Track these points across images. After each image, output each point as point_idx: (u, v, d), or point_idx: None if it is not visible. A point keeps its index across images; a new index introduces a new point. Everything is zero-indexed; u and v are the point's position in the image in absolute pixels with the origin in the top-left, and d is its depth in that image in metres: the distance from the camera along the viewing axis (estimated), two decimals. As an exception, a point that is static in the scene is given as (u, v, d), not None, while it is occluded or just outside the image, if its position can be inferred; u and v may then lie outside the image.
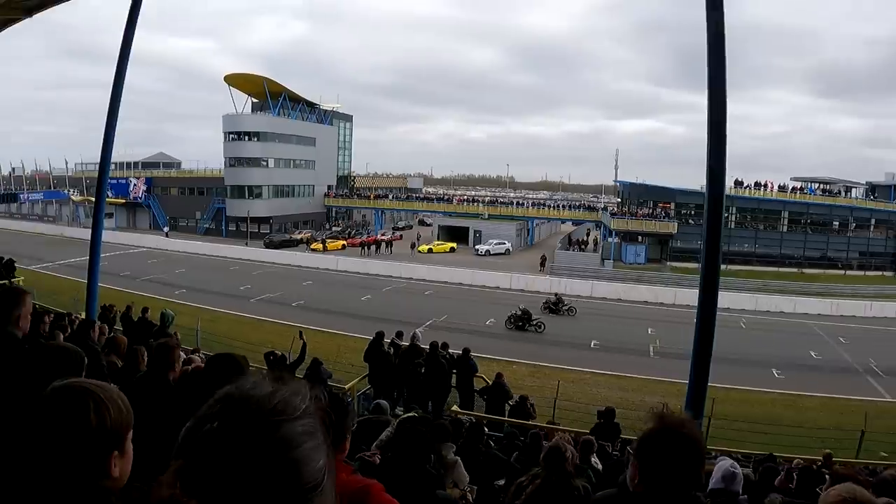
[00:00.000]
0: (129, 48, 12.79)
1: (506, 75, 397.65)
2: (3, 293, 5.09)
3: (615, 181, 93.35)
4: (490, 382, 18.86)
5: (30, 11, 20.86)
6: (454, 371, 18.99)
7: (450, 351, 19.60)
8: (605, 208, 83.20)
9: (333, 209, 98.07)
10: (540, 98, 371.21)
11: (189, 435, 1.16)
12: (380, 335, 19.54)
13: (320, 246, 76.01)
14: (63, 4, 20.36)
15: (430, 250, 75.33)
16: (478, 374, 19.40)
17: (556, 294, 47.19)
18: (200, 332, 27.88)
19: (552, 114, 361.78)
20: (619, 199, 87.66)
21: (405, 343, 19.77)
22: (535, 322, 38.43)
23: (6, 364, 4.67)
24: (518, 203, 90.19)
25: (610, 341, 35.67)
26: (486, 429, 11.29)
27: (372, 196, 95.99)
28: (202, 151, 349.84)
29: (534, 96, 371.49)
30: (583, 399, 22.95)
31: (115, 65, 12.77)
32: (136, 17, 12.78)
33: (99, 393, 1.93)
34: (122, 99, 13.37)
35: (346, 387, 19.11)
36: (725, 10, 9.22)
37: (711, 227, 9.78)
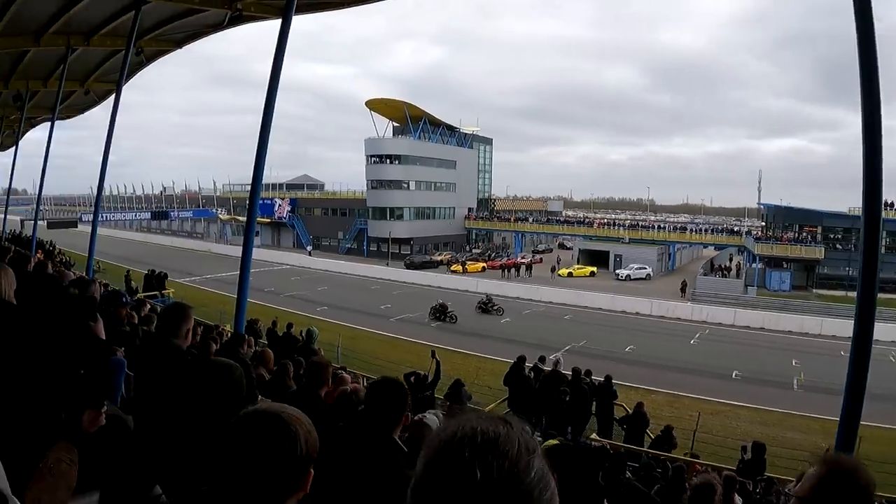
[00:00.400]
0: (279, 75, 13.23)
1: (645, 94, 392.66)
2: (173, 308, 5.51)
3: (758, 204, 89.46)
4: (629, 411, 18.61)
5: (179, 43, 22.32)
6: (594, 398, 18.81)
7: (592, 377, 19.38)
8: (748, 232, 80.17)
9: (474, 231, 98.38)
10: (680, 117, 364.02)
11: (443, 485, 1.19)
12: (521, 359, 19.50)
13: (460, 268, 76.46)
14: (209, 37, 21.46)
15: (570, 274, 74.48)
16: (617, 402, 19.16)
17: (486, 294, 50.12)
18: (341, 349, 28.37)
19: (692, 134, 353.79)
20: (763, 223, 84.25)
21: (547, 368, 19.64)
22: None
23: (174, 376, 4.97)
24: (659, 227, 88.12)
25: (751, 372, 34.17)
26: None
27: (512, 219, 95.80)
28: (344, 173, 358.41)
29: (673, 116, 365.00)
30: (721, 432, 22.23)
31: (266, 91, 13.21)
32: (285, 46, 13.23)
33: (299, 421, 2.05)
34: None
35: (486, 409, 19.16)
36: (875, 15, 8.78)
37: (868, 252, 9.33)
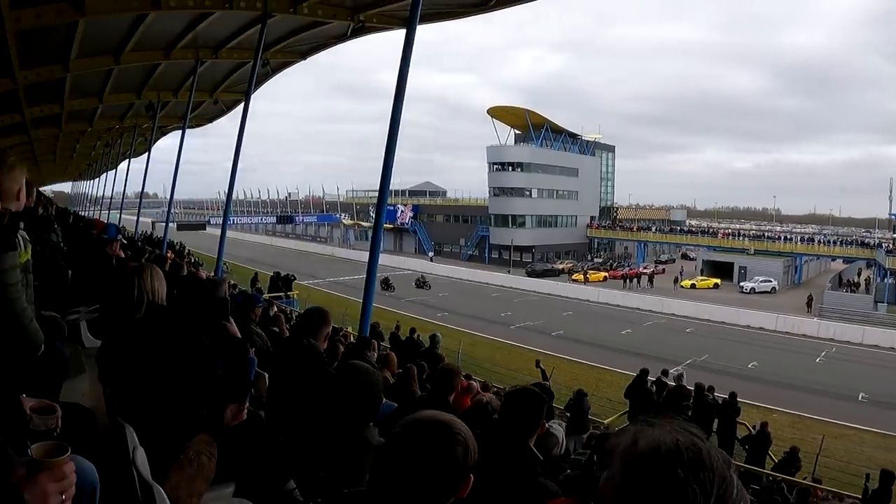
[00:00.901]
0: (405, 84, 13.40)
1: (770, 99, 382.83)
2: (314, 312, 5.79)
3: (890, 214, 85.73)
4: (751, 429, 18.20)
5: (304, 54, 22.92)
6: (717, 416, 18.46)
7: (715, 394, 18.99)
8: (879, 245, 75.97)
9: (595, 240, 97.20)
10: (806, 123, 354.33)
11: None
12: (644, 372, 19.25)
13: (581, 277, 75.78)
14: (330, 49, 21.99)
15: (692, 286, 72.71)
16: (739, 420, 18.73)
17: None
18: (461, 355, 28.51)
19: (819, 140, 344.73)
20: (895, 235, 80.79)
21: (670, 382, 19.36)
22: None
23: (313, 377, 5.17)
24: (785, 238, 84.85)
25: (880, 394, 32.26)
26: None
27: (635, 228, 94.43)
28: (466, 181, 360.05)
29: (799, 121, 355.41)
30: (844, 457, 21.12)
31: (392, 100, 13.41)
32: (410, 55, 13.41)
33: (464, 429, 2.10)
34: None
35: (605, 422, 19.01)
36: None
37: None
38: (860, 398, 32.36)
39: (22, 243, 4.50)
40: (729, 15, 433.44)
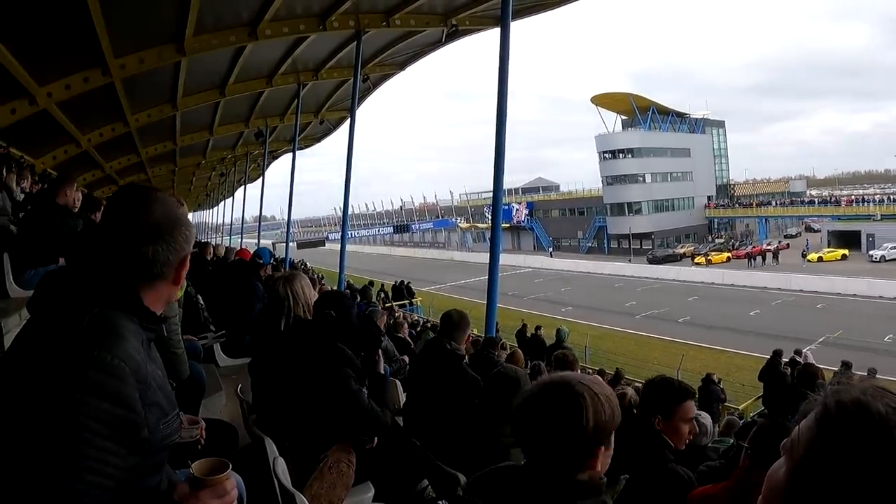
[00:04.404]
0: (506, 82, 13.37)
1: (882, 53, 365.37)
2: (453, 315, 5.97)
3: None
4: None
5: (402, 65, 23.27)
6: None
7: (853, 372, 18.37)
8: None
9: (715, 220, 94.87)
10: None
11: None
12: (777, 353, 18.79)
13: (703, 259, 74.25)
14: (430, 56, 22.20)
15: (819, 258, 69.67)
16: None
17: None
18: (589, 349, 28.36)
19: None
20: None
21: (802, 362, 18.86)
22: None
23: (454, 379, 5.32)
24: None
25: None
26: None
27: (754, 203, 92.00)
28: (578, 173, 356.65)
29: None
30: None
31: (496, 99, 13.44)
32: (508, 53, 13.38)
33: (592, 391, 2.15)
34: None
35: (740, 407, 18.63)
36: None
37: None
38: None
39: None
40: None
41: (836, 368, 18.09)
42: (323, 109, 26.46)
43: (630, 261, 76.98)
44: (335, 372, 4.18)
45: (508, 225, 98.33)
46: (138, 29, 12.47)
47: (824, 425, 1.12)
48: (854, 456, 1.05)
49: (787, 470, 1.16)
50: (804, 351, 19.39)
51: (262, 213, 48.14)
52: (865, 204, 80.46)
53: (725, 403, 18.19)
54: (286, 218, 34.10)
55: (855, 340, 34.02)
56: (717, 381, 18.19)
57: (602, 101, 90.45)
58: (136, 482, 1.98)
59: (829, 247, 74.14)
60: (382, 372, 4.64)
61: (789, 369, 17.91)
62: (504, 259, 70.88)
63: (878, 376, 17.93)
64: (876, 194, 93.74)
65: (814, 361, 17.85)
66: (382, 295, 34.01)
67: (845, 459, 1.06)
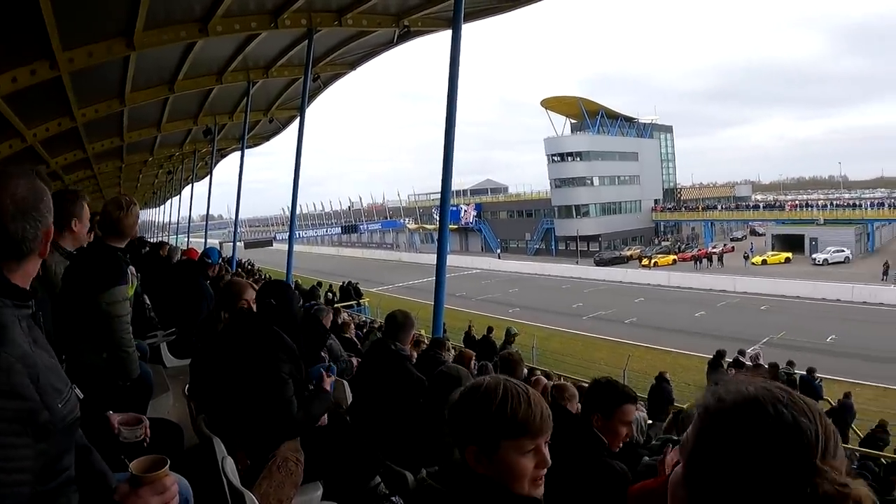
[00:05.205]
0: (456, 85, 13.40)
1: (831, 63, 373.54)
2: (398, 316, 6.01)
3: None
4: (833, 404, 17.95)
5: (353, 65, 23.21)
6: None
7: (795, 370, 18.76)
8: None
9: (661, 223, 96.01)
10: (869, 83, 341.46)
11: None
12: (720, 353, 19.11)
13: (650, 262, 75.21)
14: (384, 56, 22.23)
15: (763, 261, 71.36)
16: (823, 398, 18.45)
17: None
18: (536, 350, 28.54)
19: (885, 99, 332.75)
20: None
21: (747, 362, 19.18)
22: None
23: (399, 379, 5.35)
24: (854, 205, 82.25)
25: None
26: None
27: (700, 207, 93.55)
28: (526, 174, 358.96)
29: (862, 82, 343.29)
30: None
31: (446, 101, 13.49)
32: (458, 55, 13.43)
33: (508, 387, 2.13)
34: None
35: (685, 406, 18.87)
36: None
37: None
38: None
39: (131, 278, 4.73)
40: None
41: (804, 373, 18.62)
42: (273, 108, 26.30)
43: (577, 263, 77.74)
44: (268, 356, 4.18)
45: (457, 226, 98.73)
46: (88, 21, 12.24)
47: (705, 420, 1.21)
48: (732, 442, 1.13)
49: (681, 468, 1.24)
50: (749, 351, 19.73)
51: (210, 212, 47.74)
52: (809, 209, 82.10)
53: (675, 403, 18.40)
54: (234, 217, 33.90)
55: (798, 341, 34.93)
56: (668, 379, 18.40)
57: (552, 104, 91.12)
58: (52, 467, 1.96)
59: (773, 250, 75.90)
60: (328, 389, 4.60)
61: (732, 369, 18.22)
62: (452, 260, 70.96)
63: (817, 374, 18.46)
64: (820, 200, 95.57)
65: (762, 362, 18.28)
66: (330, 295, 33.88)
67: (726, 447, 1.14)
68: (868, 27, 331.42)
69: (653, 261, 75.56)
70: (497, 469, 2.06)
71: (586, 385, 4.71)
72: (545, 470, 2.11)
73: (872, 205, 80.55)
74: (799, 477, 1.06)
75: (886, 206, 78.52)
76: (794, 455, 1.08)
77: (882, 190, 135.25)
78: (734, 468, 1.11)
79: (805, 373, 18.51)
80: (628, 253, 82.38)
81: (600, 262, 77.64)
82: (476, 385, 2.15)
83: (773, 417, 1.12)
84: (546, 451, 2.11)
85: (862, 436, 16.55)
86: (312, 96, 23.95)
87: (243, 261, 40.50)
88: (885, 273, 58.16)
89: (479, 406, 2.07)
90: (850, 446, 15.90)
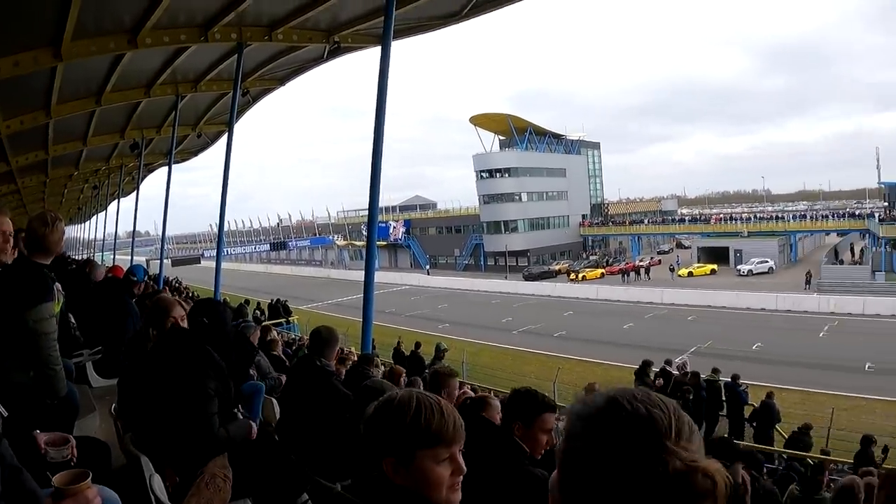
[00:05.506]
0: (385, 101, 13.49)
1: (756, 80, 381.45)
2: (322, 332, 6.00)
3: (879, 183, 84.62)
4: (756, 405, 18.32)
5: (283, 80, 22.93)
6: (724, 399, 18.60)
7: (720, 378, 19.09)
8: (871, 214, 76.18)
9: (589, 238, 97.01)
10: (793, 100, 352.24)
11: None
12: (646, 363, 19.33)
13: (578, 276, 75.97)
14: (311, 71, 22.13)
15: (690, 273, 72.89)
16: (749, 404, 18.80)
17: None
18: (467, 365, 28.61)
19: (806, 116, 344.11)
20: (886, 203, 78.68)
21: (674, 371, 19.45)
22: None
23: (324, 396, 5.31)
24: (777, 217, 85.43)
25: (887, 362, 32.15)
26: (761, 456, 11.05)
27: (627, 222, 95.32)
28: (456, 190, 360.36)
29: (785, 99, 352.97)
30: (856, 428, 20.89)
31: (374, 117, 13.54)
32: (387, 71, 13.52)
33: (421, 399, 2.16)
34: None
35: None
36: None
37: None
38: (867, 368, 32.63)
39: (57, 294, 4.64)
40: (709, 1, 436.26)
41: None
42: (201, 122, 25.99)
43: (506, 278, 78.29)
44: (195, 372, 4.16)
45: (386, 243, 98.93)
46: (14, 30, 12.00)
47: (573, 423, 1.29)
48: (594, 437, 1.22)
49: (556, 471, 1.30)
50: (676, 361, 20.04)
51: (137, 229, 46.96)
52: (734, 222, 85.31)
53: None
54: (161, 234, 33.45)
55: (725, 349, 35.73)
56: (597, 390, 18.53)
57: (480, 121, 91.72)
58: None
59: (699, 262, 77.58)
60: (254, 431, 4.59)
61: (661, 379, 18.51)
62: (381, 277, 71.05)
63: (741, 381, 18.85)
64: (744, 213, 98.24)
65: (689, 370, 18.64)
66: (258, 313, 33.55)
67: (588, 442, 1.22)
68: (789, 47, 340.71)
69: (581, 275, 76.44)
70: (414, 479, 2.08)
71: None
72: (461, 477, 2.14)
73: (794, 217, 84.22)
74: (652, 457, 1.14)
75: (808, 217, 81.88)
76: (648, 440, 1.16)
77: (803, 203, 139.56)
78: (597, 460, 1.18)
79: (729, 379, 18.83)
80: (557, 267, 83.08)
81: (529, 277, 78.25)
82: (390, 398, 2.16)
83: (629, 411, 1.21)
84: (461, 458, 2.14)
85: (787, 437, 16.94)
86: (241, 111, 23.75)
87: (171, 278, 39.84)
88: (808, 282, 60.20)
89: (394, 418, 2.09)
90: (775, 448, 16.37)
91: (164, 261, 34.90)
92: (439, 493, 2.09)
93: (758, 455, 11.11)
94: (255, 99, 23.95)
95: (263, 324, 20.90)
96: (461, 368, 27.05)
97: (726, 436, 14.94)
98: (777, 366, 32.39)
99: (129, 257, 39.18)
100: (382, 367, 11.04)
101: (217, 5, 14.52)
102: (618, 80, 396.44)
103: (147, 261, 57.43)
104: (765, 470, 11.66)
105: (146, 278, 12.20)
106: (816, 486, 9.31)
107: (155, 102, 21.36)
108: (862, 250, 73.29)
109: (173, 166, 28.44)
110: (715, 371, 19.32)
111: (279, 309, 35.67)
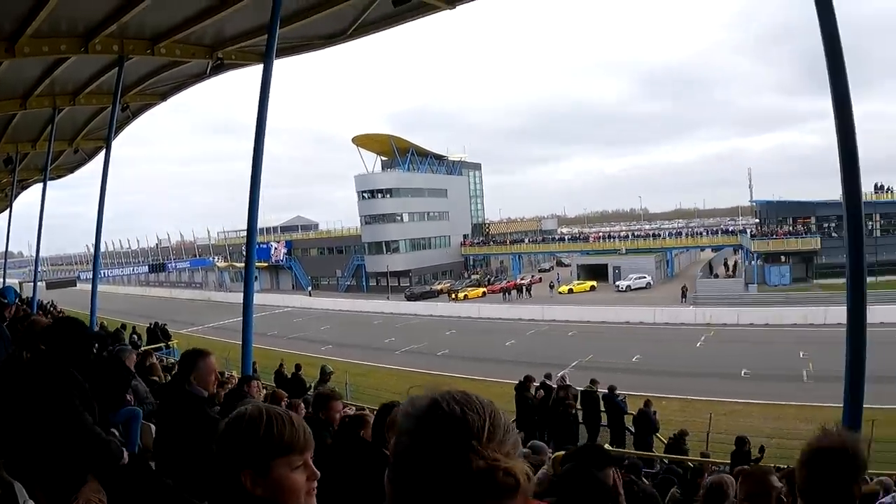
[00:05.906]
0: (265, 119, 13.52)
1: (635, 105, 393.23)
2: (189, 355, 5.66)
3: (751, 201, 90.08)
4: (634, 413, 18.82)
5: (164, 96, 22.67)
6: (603, 410, 19.03)
7: (598, 389, 19.51)
8: (743, 231, 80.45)
9: (471, 257, 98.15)
10: (670, 124, 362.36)
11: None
12: (527, 379, 19.62)
13: (460, 295, 76.67)
14: (193, 87, 21.89)
15: (570, 290, 74.52)
16: (628, 412, 19.27)
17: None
18: (350, 386, 28.57)
19: (683, 138, 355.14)
20: (758, 220, 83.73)
21: (554, 384, 19.76)
22: None
23: (192, 422, 5.22)
24: (654, 235, 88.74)
25: (760, 368, 34.21)
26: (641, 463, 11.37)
27: (508, 241, 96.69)
28: (343, 210, 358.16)
29: (664, 123, 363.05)
30: (734, 430, 21.76)
31: (254, 136, 13.52)
32: (269, 90, 13.55)
33: (271, 412, 2.25)
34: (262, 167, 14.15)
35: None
36: (849, 4, 8.93)
37: (853, 238, 9.49)
38: (743, 374, 34.18)
39: None
40: (590, 27, 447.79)
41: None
42: (79, 137, 25.35)
43: (388, 298, 78.68)
44: (59, 392, 4.11)
45: (267, 264, 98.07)
46: None
47: (402, 423, 1.41)
48: (413, 434, 1.35)
49: (389, 469, 1.42)
50: (557, 375, 20.39)
51: (9, 249, 45.28)
52: (612, 240, 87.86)
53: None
54: (34, 255, 32.41)
55: (606, 362, 36.85)
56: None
57: (363, 141, 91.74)
58: None
59: (578, 279, 79.26)
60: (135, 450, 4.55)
61: (542, 391, 18.86)
62: (262, 299, 70.10)
63: (618, 392, 19.34)
64: (622, 231, 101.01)
65: (570, 383, 19.00)
66: (135, 338, 32.66)
67: (408, 438, 1.35)
68: (667, 72, 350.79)
69: (463, 294, 77.19)
70: (273, 488, 2.17)
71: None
72: (316, 482, 2.23)
73: (671, 234, 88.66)
74: (459, 456, 1.27)
75: (684, 234, 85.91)
76: (457, 439, 1.29)
77: (680, 220, 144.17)
78: (416, 455, 1.32)
79: (607, 390, 19.27)
80: (438, 287, 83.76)
81: (411, 297, 78.67)
82: (240, 414, 2.25)
83: (445, 412, 1.34)
84: (312, 464, 2.25)
85: (666, 443, 17.52)
86: (120, 126, 23.31)
87: (45, 302, 38.54)
88: (684, 296, 62.65)
89: (248, 431, 2.18)
90: (656, 454, 16.81)
91: (38, 283, 33.80)
92: (298, 498, 2.19)
93: (636, 461, 11.41)
94: (136, 114, 23.48)
95: (143, 348, 20.49)
96: (345, 390, 27.04)
97: (597, 443, 15.26)
98: (657, 376, 33.50)
99: (1, 279, 37.81)
100: (265, 391, 10.97)
101: (100, 15, 14.27)
102: (501, 103, 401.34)
103: (20, 283, 55.28)
104: (643, 473, 11.98)
105: (17, 301, 11.84)
106: (696, 488, 9.63)
107: (31, 115, 20.81)
108: (735, 264, 78.33)
109: (49, 183, 27.61)
110: (593, 382, 19.72)
111: (158, 333, 34.84)
